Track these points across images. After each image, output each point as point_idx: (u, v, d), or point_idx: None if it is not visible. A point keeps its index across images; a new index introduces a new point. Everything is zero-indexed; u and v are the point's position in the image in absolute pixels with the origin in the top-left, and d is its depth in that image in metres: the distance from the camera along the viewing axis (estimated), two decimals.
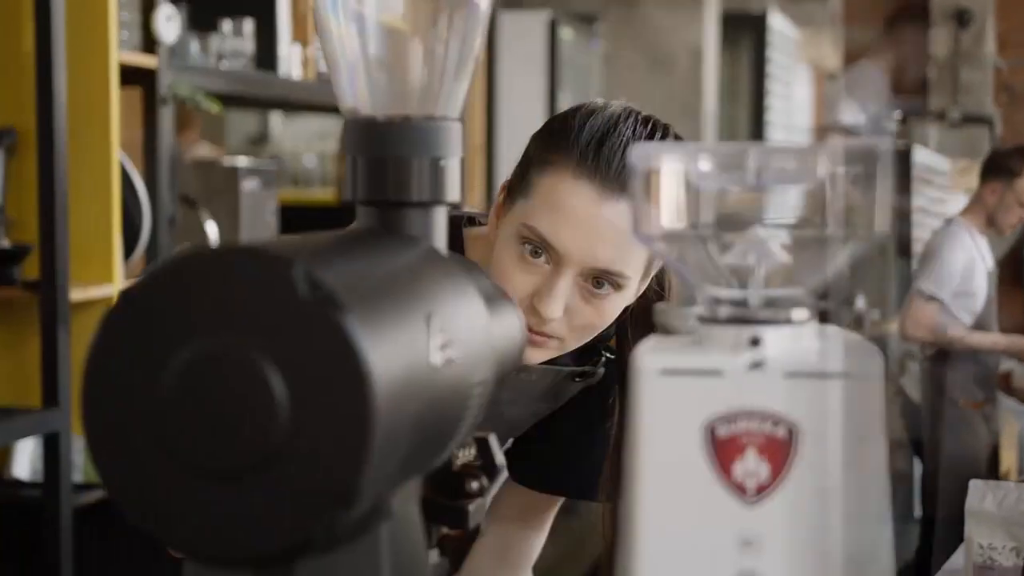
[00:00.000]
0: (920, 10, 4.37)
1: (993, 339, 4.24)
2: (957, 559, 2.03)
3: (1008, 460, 5.42)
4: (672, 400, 0.65)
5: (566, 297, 1.20)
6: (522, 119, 5.57)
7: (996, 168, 4.23)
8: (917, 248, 7.15)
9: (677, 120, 1.33)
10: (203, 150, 4.17)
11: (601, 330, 1.27)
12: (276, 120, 5.46)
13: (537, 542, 1.50)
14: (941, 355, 4.27)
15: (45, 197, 2.27)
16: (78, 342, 2.28)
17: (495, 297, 0.81)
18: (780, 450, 0.64)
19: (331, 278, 0.59)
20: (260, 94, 3.10)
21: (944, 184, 7.85)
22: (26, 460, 2.62)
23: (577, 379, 1.38)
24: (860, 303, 6.68)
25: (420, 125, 0.75)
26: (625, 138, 1.21)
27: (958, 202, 8.14)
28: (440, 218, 0.77)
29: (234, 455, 0.58)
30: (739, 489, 0.65)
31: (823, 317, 0.69)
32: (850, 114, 4.16)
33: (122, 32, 2.50)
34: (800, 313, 0.67)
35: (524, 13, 5.78)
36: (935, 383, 4.33)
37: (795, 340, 0.66)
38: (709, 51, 5.76)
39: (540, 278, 1.21)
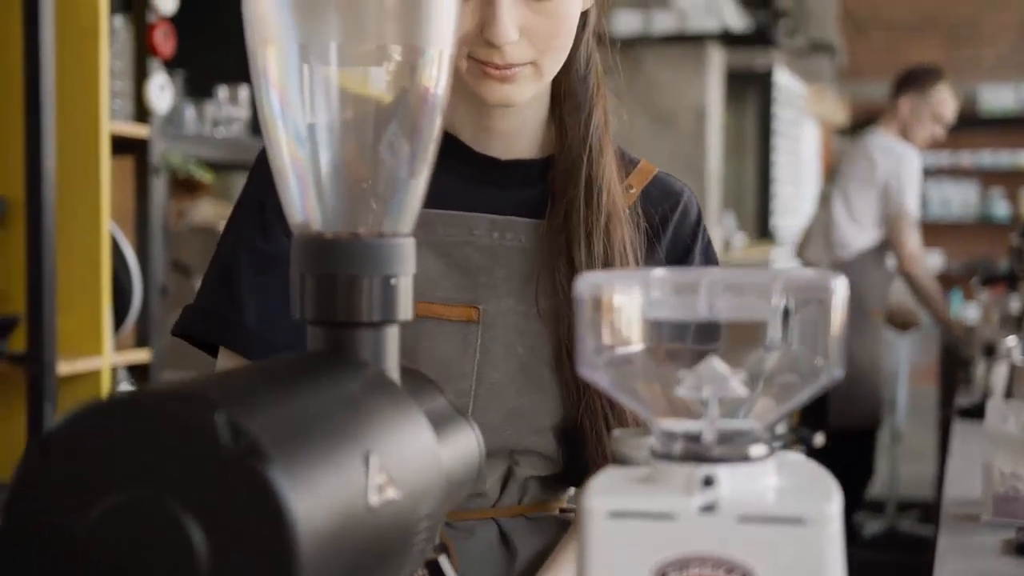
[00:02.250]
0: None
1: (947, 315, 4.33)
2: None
3: None
4: (621, 544, 0.62)
5: (513, 16, 1.13)
6: None
7: (910, 81, 4.38)
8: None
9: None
10: (206, 208, 4.16)
11: (571, 40, 1.17)
12: None
13: None
14: (850, 262, 4.29)
15: (33, 268, 2.25)
16: None
17: (448, 418, 0.78)
18: None
19: (257, 424, 0.56)
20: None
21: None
22: None
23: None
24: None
25: (370, 243, 0.73)
26: None
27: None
28: (392, 338, 0.74)
29: None
30: None
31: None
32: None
33: (115, 101, 2.49)
34: (758, 449, 0.64)
35: None
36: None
37: (752, 479, 0.63)
38: (713, 109, 5.75)
39: (478, 10, 1.13)
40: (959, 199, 10.14)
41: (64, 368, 2.31)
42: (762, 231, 7.23)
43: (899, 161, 4.33)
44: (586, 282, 0.64)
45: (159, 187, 2.57)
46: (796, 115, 7.97)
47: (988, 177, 10.07)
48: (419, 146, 0.75)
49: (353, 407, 0.66)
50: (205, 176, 2.62)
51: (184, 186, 3.93)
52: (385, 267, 0.73)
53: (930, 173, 10.08)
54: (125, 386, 2.73)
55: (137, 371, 2.64)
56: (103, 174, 2.37)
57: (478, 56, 1.14)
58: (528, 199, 1.24)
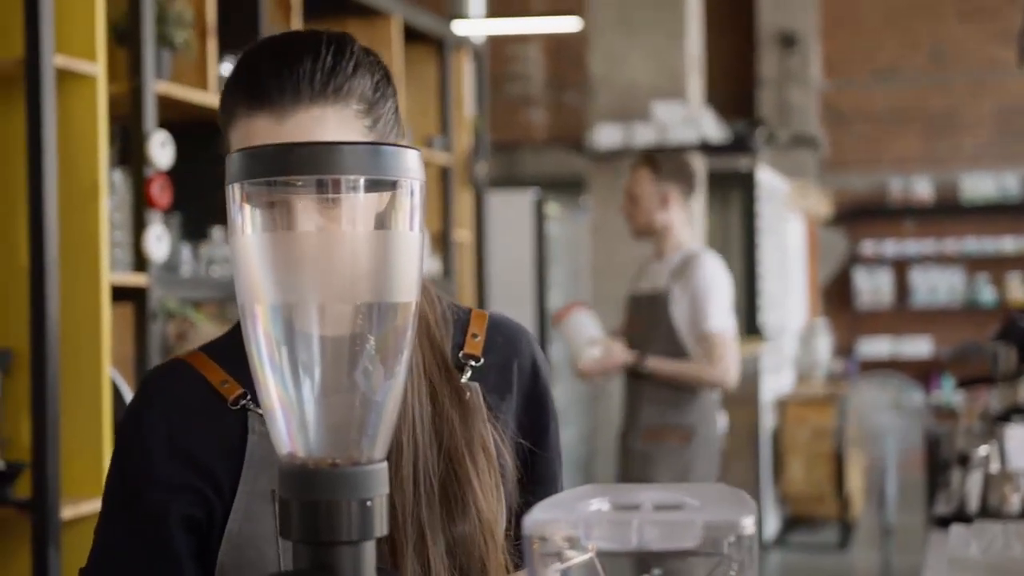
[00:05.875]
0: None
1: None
2: None
3: None
4: None
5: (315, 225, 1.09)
6: (514, 295, 5.74)
7: None
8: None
9: None
10: (207, 330, 4.26)
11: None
12: None
13: None
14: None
15: (38, 418, 2.36)
16: (69, 560, 2.34)
17: None
18: None
19: None
20: None
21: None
22: None
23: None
24: None
25: (347, 472, 0.84)
26: (274, 49, 1.19)
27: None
28: (369, 552, 0.85)
29: None
30: None
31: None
32: None
33: (115, 252, 2.62)
34: None
35: (512, 192, 6.01)
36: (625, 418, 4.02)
37: None
38: (696, 215, 5.88)
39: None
40: (946, 286, 10.29)
41: (68, 512, 2.40)
42: (750, 328, 7.33)
43: None
44: (532, 520, 0.75)
45: (157, 332, 2.69)
46: (780, 211, 8.12)
47: (973, 264, 10.23)
48: (391, 381, 0.86)
49: None
50: (200, 319, 2.74)
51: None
52: (361, 492, 0.84)
53: (916, 261, 10.25)
54: None
55: None
56: (104, 323, 2.48)
57: None
58: None
